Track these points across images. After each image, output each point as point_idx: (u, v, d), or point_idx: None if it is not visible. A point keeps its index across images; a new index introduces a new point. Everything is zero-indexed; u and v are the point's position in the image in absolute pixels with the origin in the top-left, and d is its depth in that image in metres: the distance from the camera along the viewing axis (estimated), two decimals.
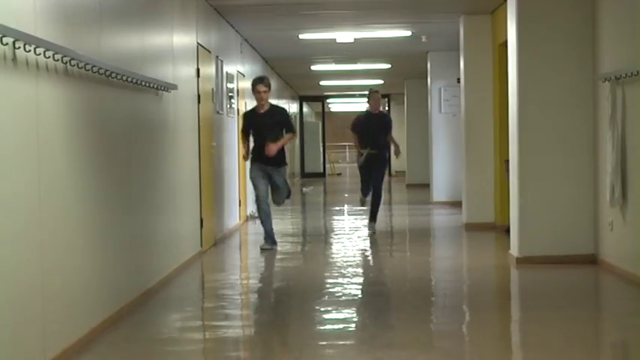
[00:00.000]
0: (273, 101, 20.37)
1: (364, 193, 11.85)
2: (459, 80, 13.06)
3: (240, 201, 12.96)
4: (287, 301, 7.17)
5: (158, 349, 5.48)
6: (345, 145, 46.63)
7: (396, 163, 27.81)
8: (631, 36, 7.39)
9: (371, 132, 11.39)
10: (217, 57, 11.11)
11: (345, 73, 20.95)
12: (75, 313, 5.30)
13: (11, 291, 4.39)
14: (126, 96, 6.60)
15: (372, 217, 11.58)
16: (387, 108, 31.13)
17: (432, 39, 14.29)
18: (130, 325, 6.04)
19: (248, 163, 10.53)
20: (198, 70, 9.63)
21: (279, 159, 10.03)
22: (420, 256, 9.78)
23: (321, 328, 6.08)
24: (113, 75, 6.05)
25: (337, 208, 16.82)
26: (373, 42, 14.68)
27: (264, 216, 10.19)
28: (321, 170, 30.30)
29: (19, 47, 4.45)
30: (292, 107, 26.36)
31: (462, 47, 12.24)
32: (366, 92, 11.88)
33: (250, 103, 14.84)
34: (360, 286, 7.61)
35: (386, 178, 27.88)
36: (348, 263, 8.84)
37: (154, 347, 5.51)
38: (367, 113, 11.68)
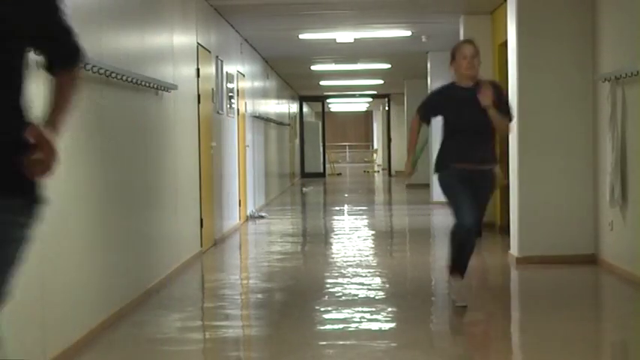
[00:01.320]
0: (273, 100, 20.53)
1: (465, 229, 6.13)
2: None
3: (240, 201, 12.97)
4: (287, 301, 7.17)
5: (158, 349, 5.48)
6: (345, 145, 46.70)
7: (398, 164, 27.83)
8: (631, 36, 7.39)
9: (465, 125, 6.30)
10: (217, 57, 11.11)
11: (345, 73, 20.96)
12: (75, 313, 5.30)
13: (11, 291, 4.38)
14: (126, 96, 6.60)
15: (463, 268, 6.43)
16: (387, 108, 31.16)
17: (432, 39, 14.30)
18: (130, 325, 6.04)
19: None
20: (198, 70, 9.64)
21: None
22: (420, 256, 9.78)
23: (321, 328, 6.08)
24: (113, 75, 6.05)
25: (337, 208, 16.82)
26: (373, 42, 14.69)
27: None
28: (321, 170, 30.30)
29: None
30: (292, 107, 26.39)
31: None
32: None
33: (251, 104, 14.89)
34: (360, 286, 7.61)
35: (386, 178, 27.69)
36: (348, 263, 8.84)
37: (154, 347, 5.51)
38: (451, 87, 6.45)
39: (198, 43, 9.71)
